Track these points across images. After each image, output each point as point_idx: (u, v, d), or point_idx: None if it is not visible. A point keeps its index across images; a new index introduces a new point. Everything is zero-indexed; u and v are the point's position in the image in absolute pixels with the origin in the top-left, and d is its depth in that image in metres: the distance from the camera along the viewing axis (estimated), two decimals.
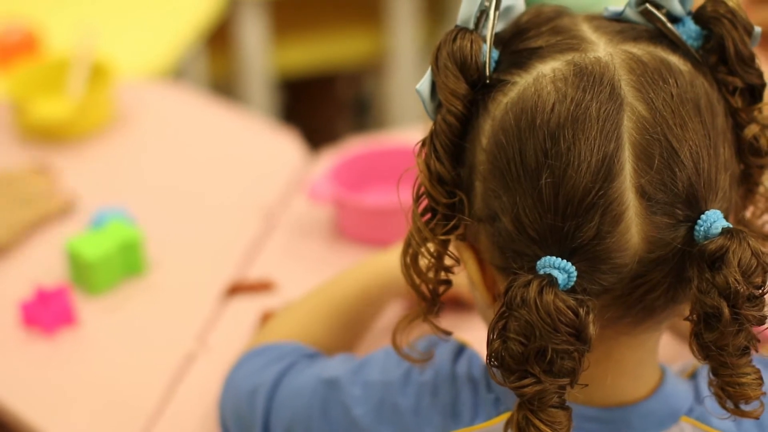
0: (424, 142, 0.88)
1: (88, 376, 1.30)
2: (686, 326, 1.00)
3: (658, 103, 0.82)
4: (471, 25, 0.86)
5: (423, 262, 0.89)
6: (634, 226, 0.81)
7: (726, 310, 0.79)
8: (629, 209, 0.81)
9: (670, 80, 0.83)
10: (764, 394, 0.82)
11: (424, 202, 0.88)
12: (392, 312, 1.28)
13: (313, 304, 1.21)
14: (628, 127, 0.81)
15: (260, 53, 2.56)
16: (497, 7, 0.86)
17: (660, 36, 0.87)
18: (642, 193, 0.81)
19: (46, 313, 1.34)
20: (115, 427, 1.24)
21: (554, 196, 0.81)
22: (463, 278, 0.93)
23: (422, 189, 0.87)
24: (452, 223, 0.87)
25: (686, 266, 0.83)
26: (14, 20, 1.88)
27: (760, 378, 0.82)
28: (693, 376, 0.95)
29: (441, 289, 0.90)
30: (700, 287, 0.80)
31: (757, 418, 0.83)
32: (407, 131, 1.69)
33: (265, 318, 1.32)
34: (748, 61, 0.86)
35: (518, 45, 0.87)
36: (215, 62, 2.57)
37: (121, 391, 1.28)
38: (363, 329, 1.23)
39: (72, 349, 1.34)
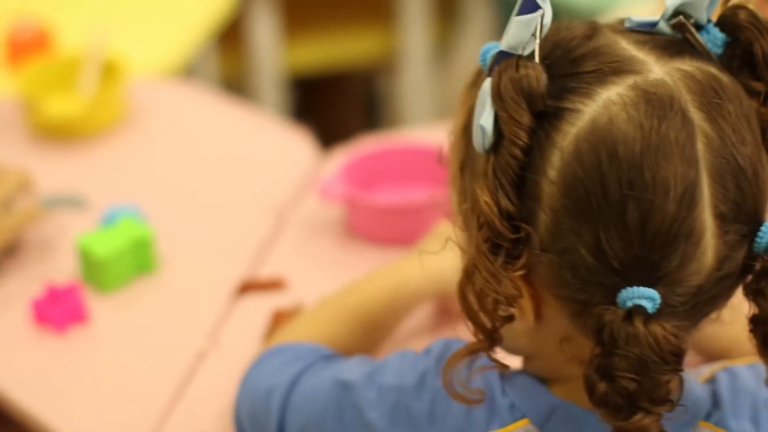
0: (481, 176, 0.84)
1: (99, 373, 1.30)
2: (706, 342, 1.02)
3: (721, 122, 0.82)
4: (520, 51, 0.83)
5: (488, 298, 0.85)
6: (710, 248, 0.82)
7: None
8: (707, 232, 0.81)
9: (723, 96, 0.83)
10: None
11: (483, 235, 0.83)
12: (413, 317, 1.27)
13: (337, 307, 1.20)
14: (702, 151, 0.81)
15: (272, 51, 2.56)
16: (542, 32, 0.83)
17: (688, 45, 0.86)
18: (718, 215, 0.82)
19: (58, 310, 1.34)
20: (126, 424, 1.24)
21: (641, 227, 0.80)
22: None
23: (481, 222, 0.83)
24: (523, 260, 0.83)
25: (742, 279, 0.84)
26: (26, 18, 1.88)
27: None
28: (711, 380, 0.95)
29: (500, 323, 0.86)
30: None
31: None
32: (419, 130, 1.68)
33: (277, 316, 1.32)
34: None
35: (567, 69, 0.84)
36: (227, 60, 2.57)
37: (132, 389, 1.28)
38: (386, 336, 1.22)
39: (83, 346, 1.34)
